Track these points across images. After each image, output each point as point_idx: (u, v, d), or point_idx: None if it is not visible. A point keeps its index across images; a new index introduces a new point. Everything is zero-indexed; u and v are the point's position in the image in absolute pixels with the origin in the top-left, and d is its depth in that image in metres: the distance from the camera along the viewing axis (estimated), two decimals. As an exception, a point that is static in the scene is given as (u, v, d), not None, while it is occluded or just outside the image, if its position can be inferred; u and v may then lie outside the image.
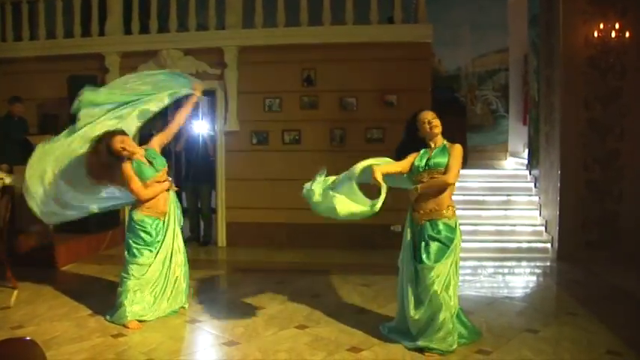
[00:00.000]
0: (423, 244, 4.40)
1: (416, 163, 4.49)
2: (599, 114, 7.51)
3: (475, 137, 11.56)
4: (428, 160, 4.45)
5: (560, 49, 7.65)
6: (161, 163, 5.14)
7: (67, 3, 9.15)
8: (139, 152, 5.07)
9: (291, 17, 8.61)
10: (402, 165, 4.55)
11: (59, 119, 8.70)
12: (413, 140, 4.60)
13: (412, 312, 4.38)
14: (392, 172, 4.47)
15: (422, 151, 4.53)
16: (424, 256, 4.35)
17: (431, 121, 4.48)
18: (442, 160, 4.41)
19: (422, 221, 4.45)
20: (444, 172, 4.38)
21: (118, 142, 4.94)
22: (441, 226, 4.39)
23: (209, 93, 9.41)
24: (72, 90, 8.31)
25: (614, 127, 7.49)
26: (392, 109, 8.34)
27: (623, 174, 7.50)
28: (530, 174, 9.55)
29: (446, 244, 4.37)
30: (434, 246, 4.36)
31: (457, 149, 4.44)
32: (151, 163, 5.07)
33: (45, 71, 8.98)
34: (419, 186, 4.43)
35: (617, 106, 7.47)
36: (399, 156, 4.63)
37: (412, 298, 4.40)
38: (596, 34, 7.38)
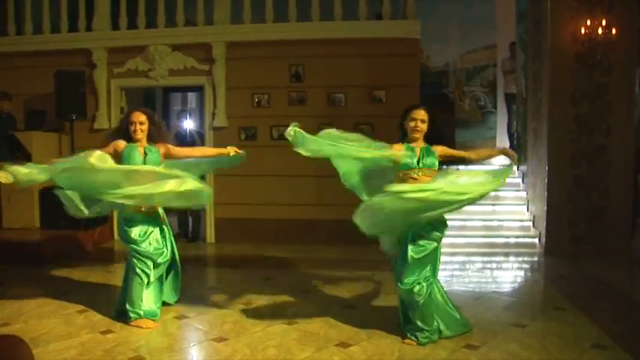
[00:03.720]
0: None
1: (405, 161, 4.49)
2: (586, 110, 7.56)
3: (463, 133, 11.61)
4: (419, 159, 4.50)
5: (547, 45, 7.69)
6: (154, 161, 5.00)
7: (54, -3, 9.09)
8: (141, 140, 5.00)
9: (279, 13, 8.61)
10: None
11: (46, 115, 8.66)
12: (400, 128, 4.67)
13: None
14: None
15: (406, 147, 4.56)
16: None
17: (419, 123, 4.55)
18: (433, 160, 4.52)
19: None
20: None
21: (135, 116, 4.96)
22: None
23: (197, 89, 9.42)
24: (59, 86, 8.31)
25: (600, 123, 7.54)
26: (380, 105, 8.36)
27: (610, 170, 7.56)
28: (517, 170, 9.60)
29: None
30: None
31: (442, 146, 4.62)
32: (145, 154, 4.96)
33: (31, 66, 8.93)
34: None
35: (604, 102, 7.52)
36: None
37: None
38: (583, 31, 7.42)
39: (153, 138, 5.05)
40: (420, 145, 4.58)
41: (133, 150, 4.93)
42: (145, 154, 4.96)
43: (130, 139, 4.98)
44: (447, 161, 4.77)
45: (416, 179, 4.46)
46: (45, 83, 8.51)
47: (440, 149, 4.59)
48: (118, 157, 4.90)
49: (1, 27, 9.26)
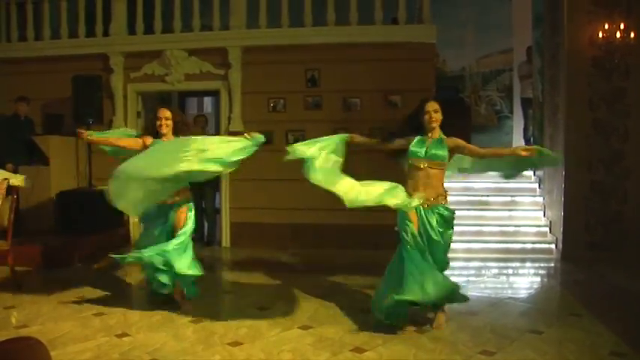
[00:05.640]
0: None
1: (413, 149, 4.86)
2: (604, 114, 7.50)
3: (479, 138, 11.51)
4: (427, 149, 4.83)
5: (564, 49, 7.64)
6: None
7: (72, 3, 9.17)
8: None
9: (295, 18, 8.62)
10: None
11: (63, 119, 8.73)
12: (411, 125, 4.99)
13: None
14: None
15: (418, 138, 4.90)
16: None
17: (432, 114, 4.85)
18: (440, 152, 4.83)
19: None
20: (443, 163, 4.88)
21: (161, 112, 5.40)
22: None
23: (213, 93, 9.45)
24: (76, 90, 8.38)
25: (618, 127, 7.48)
26: (396, 110, 8.33)
27: (628, 175, 7.49)
28: (534, 175, 9.53)
29: None
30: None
31: (457, 139, 4.93)
32: None
33: (49, 71, 9.01)
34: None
35: (622, 106, 7.46)
36: (393, 135, 5.07)
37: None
38: (600, 35, 7.37)
39: (177, 132, 5.46)
40: (434, 136, 4.88)
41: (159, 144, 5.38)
42: None
43: (156, 136, 5.43)
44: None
45: (420, 169, 4.81)
46: (62, 88, 8.59)
47: (452, 142, 4.89)
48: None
49: (20, 32, 9.38)
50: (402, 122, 5.15)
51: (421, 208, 4.81)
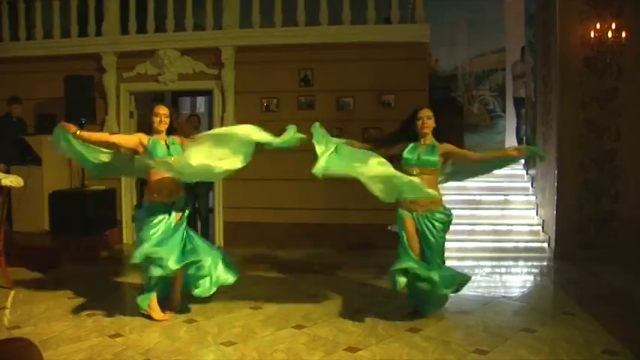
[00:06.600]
0: None
1: (406, 156, 5.02)
2: (596, 114, 7.51)
3: (472, 137, 11.59)
4: (419, 155, 5.00)
5: (556, 48, 7.66)
6: (177, 152, 5.14)
7: (64, 3, 9.12)
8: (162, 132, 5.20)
9: (288, 17, 8.61)
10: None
11: (56, 119, 8.69)
12: (405, 133, 5.16)
13: None
14: None
15: (411, 145, 5.07)
16: None
17: (425, 120, 5.03)
18: (432, 158, 5.00)
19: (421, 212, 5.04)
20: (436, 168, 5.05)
21: (159, 108, 5.19)
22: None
23: (206, 93, 9.43)
24: (68, 90, 8.35)
25: (610, 127, 7.49)
26: (389, 109, 8.34)
27: (620, 174, 7.51)
28: (527, 174, 9.55)
29: None
30: None
31: (449, 145, 5.11)
32: (168, 147, 5.15)
33: (42, 71, 8.96)
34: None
35: (614, 106, 7.47)
36: (387, 142, 5.32)
37: None
38: (592, 34, 7.39)
39: (171, 131, 5.28)
40: (426, 142, 5.07)
41: (157, 143, 5.13)
42: (168, 146, 5.16)
43: (149, 134, 5.19)
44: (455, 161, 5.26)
45: (413, 175, 4.89)
46: (55, 88, 8.54)
47: (444, 147, 5.06)
48: (144, 149, 5.11)
49: (12, 32, 9.33)
50: (396, 129, 5.35)
51: (416, 214, 5.02)
